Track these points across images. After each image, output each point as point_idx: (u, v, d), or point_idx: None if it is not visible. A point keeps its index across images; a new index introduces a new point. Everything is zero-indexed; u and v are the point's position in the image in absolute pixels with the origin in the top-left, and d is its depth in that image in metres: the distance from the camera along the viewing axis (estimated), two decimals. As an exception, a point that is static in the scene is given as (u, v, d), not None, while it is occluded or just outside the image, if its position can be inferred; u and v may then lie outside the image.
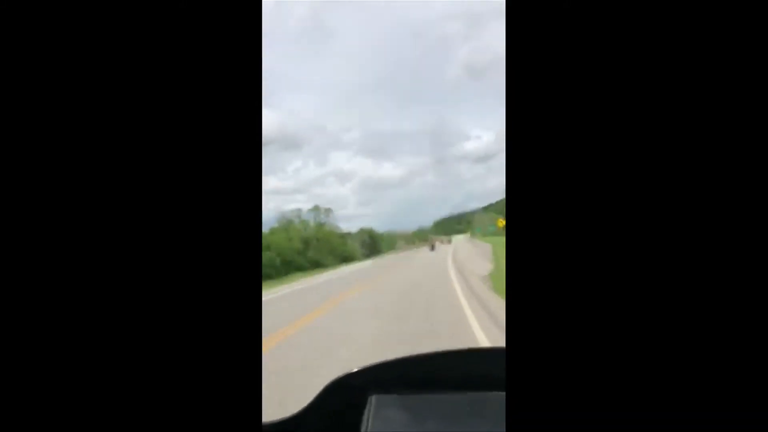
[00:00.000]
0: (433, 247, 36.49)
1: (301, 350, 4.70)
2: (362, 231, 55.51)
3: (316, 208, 41.58)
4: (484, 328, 5.26)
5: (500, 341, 4.53)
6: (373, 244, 52.04)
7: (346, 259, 37.97)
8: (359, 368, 0.68)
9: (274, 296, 10.38)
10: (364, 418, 0.61)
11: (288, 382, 3.53)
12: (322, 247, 35.32)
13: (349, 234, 50.31)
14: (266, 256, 22.27)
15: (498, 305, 6.60)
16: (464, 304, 7.07)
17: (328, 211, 42.31)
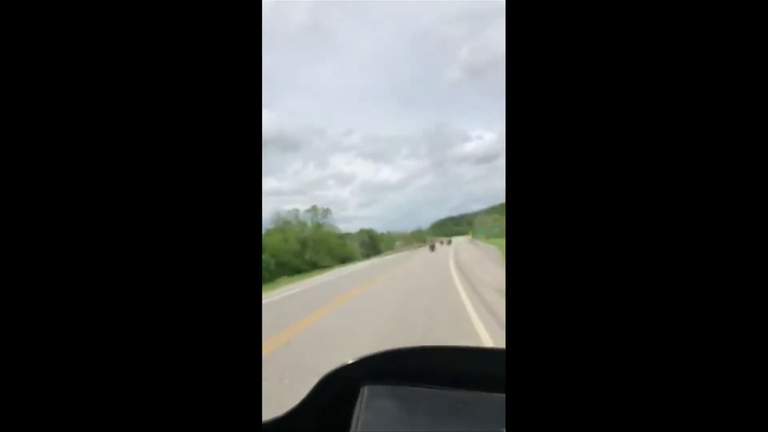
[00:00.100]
0: (433, 248, 35.48)
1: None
2: (362, 232, 54.43)
3: (313, 209, 40.44)
4: None
5: None
6: (372, 245, 50.90)
7: (345, 260, 36.78)
8: (353, 360, 0.68)
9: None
10: (356, 408, 0.61)
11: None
12: (320, 248, 34.10)
13: (348, 235, 49.16)
14: (261, 258, 21.00)
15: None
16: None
17: (326, 211, 41.16)
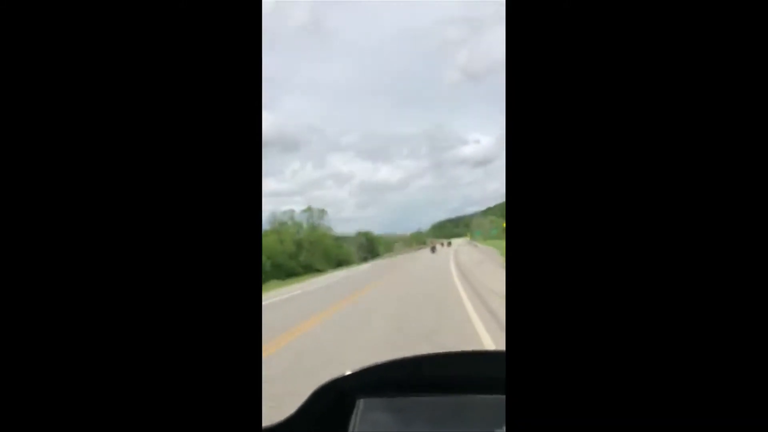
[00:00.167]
0: (433, 249, 35.01)
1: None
2: (359, 234, 53.73)
3: (309, 209, 39.69)
4: None
5: None
6: (370, 247, 50.21)
7: (342, 263, 36.05)
8: (348, 372, 0.67)
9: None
10: (351, 422, 0.61)
11: None
12: (316, 251, 33.38)
13: (345, 237, 48.42)
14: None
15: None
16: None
17: (322, 212, 40.45)
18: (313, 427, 0.64)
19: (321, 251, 34.42)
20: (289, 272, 26.46)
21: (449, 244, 53.04)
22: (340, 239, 43.80)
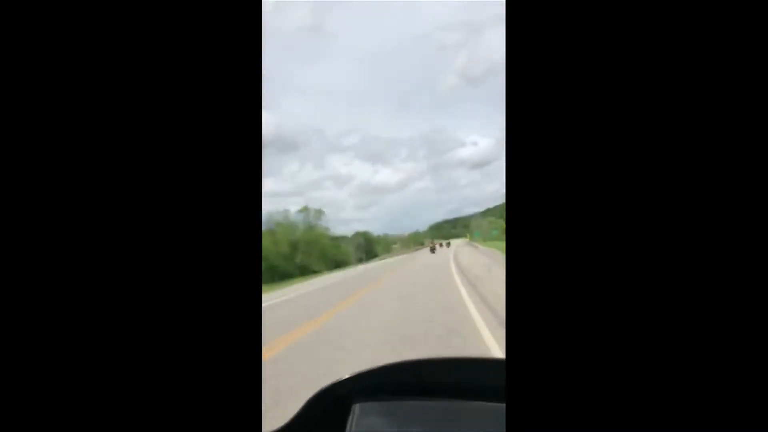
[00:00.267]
0: (433, 250, 34.19)
1: None
2: (357, 234, 52.68)
3: (305, 209, 38.69)
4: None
5: None
6: (368, 248, 49.16)
7: (339, 264, 34.97)
8: (345, 376, 0.68)
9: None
10: (347, 426, 0.62)
11: None
12: (312, 252, 32.29)
13: (343, 237, 47.34)
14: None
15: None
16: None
17: (318, 212, 39.51)
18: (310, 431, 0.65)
19: (318, 252, 33.40)
20: (283, 274, 25.40)
21: (448, 244, 52.29)
22: (337, 240, 42.77)
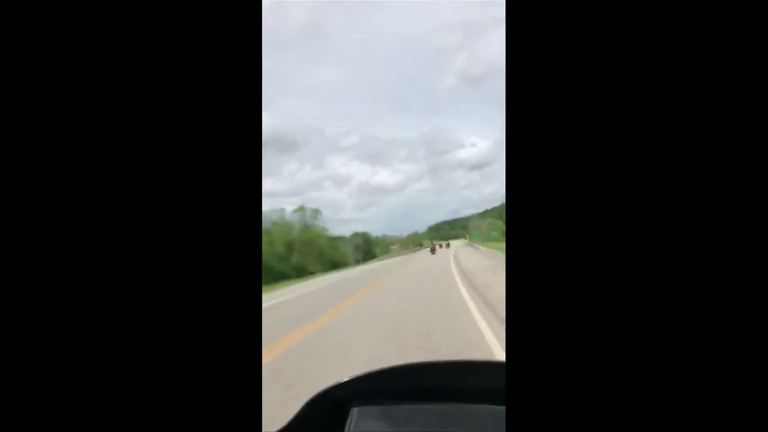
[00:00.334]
0: (433, 250, 33.67)
1: None
2: (356, 235, 52.04)
3: (301, 209, 38.00)
4: None
5: None
6: (366, 249, 48.53)
7: (337, 264, 34.30)
8: (343, 380, 0.68)
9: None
10: (346, 430, 0.62)
11: None
12: (308, 252, 31.61)
13: (341, 237, 46.68)
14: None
15: None
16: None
17: (315, 212, 38.90)
18: None
19: (314, 253, 32.72)
20: (278, 275, 24.74)
21: (447, 245, 51.82)
22: (335, 240, 42.12)
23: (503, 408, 0.54)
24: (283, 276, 24.89)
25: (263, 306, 10.16)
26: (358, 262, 38.23)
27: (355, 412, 0.64)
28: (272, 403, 2.71)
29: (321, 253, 33.96)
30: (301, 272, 27.61)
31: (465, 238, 76.37)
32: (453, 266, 13.74)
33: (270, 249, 27.59)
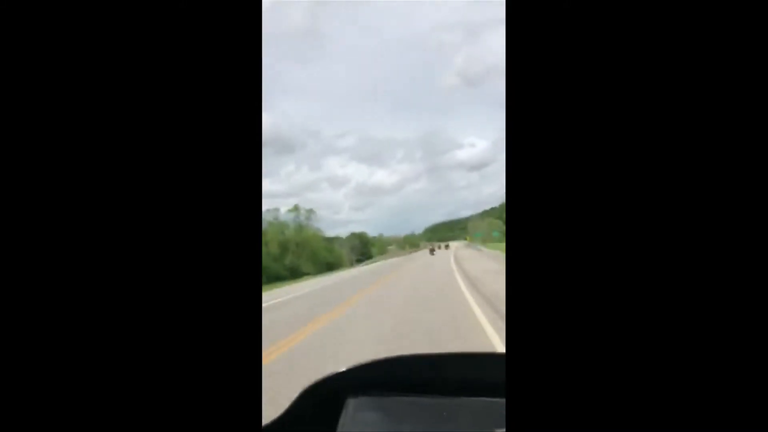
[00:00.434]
0: (432, 251, 32.88)
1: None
2: (352, 235, 50.89)
3: (295, 209, 36.92)
4: None
5: None
6: (363, 250, 47.40)
7: (332, 266, 33.16)
8: (337, 371, 0.68)
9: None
10: (340, 421, 0.62)
11: None
12: (303, 253, 30.47)
13: (336, 238, 45.55)
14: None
15: None
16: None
17: (310, 212, 38.09)
18: (302, 426, 0.65)
19: (309, 253, 31.56)
20: (271, 276, 23.56)
21: (446, 246, 50.83)
22: (330, 241, 41.01)
23: (499, 400, 0.56)
24: (277, 277, 23.81)
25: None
26: (353, 264, 37.13)
27: (350, 402, 0.64)
28: None
29: (315, 254, 32.97)
30: (295, 273, 26.54)
31: (465, 239, 75.41)
32: (454, 266, 12.42)
33: (264, 249, 26.55)
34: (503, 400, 0.46)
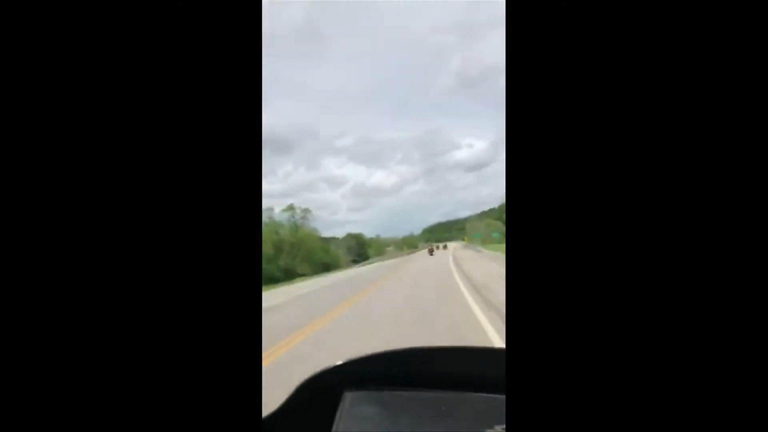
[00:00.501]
0: (431, 252, 35.08)
1: None
2: (349, 236, 50.13)
3: (290, 208, 36.20)
4: None
5: None
6: (360, 250, 46.65)
7: (328, 267, 32.40)
8: (336, 364, 0.68)
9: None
10: (337, 415, 0.63)
11: None
12: (298, 254, 29.71)
13: (333, 239, 44.80)
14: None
15: None
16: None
17: (305, 212, 37.48)
18: (299, 419, 0.65)
19: (304, 254, 30.81)
20: (264, 278, 22.81)
21: (444, 247, 50.18)
22: (327, 241, 40.28)
23: (498, 396, 0.56)
24: (271, 279, 23.11)
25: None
26: (349, 265, 36.40)
27: (347, 396, 0.64)
28: None
29: (311, 255, 32.25)
30: (290, 274, 25.82)
31: (463, 239, 74.66)
32: (453, 267, 11.75)
33: (257, 250, 25.82)
34: (502, 396, 0.46)
